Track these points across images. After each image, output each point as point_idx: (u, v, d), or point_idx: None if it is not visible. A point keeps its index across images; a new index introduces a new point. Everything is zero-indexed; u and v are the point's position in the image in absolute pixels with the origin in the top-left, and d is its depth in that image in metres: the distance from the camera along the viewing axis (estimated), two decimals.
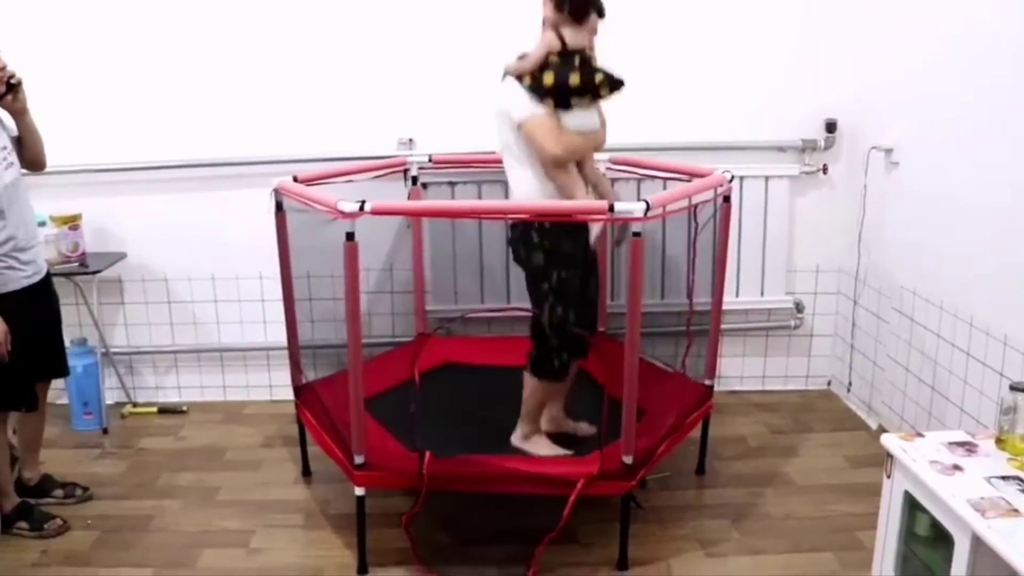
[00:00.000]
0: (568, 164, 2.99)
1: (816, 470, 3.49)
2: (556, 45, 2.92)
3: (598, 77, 2.93)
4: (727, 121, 4.01)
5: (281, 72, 3.93)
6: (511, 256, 3.14)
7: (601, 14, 3.00)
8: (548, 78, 2.88)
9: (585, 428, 3.28)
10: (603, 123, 3.13)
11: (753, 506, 3.25)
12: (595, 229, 3.07)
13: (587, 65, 2.94)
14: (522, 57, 2.95)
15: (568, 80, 2.88)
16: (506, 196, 3.31)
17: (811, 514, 3.18)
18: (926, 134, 3.39)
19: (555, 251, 2.99)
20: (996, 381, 2.87)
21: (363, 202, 2.56)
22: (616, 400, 2.66)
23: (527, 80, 2.90)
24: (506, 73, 2.95)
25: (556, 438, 3.22)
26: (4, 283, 2.88)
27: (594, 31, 2.99)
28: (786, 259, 4.14)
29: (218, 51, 3.91)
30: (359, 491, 2.82)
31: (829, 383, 4.31)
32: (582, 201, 2.98)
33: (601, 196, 3.16)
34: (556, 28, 2.93)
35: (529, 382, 3.13)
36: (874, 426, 3.80)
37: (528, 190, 3.00)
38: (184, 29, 3.90)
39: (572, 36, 2.92)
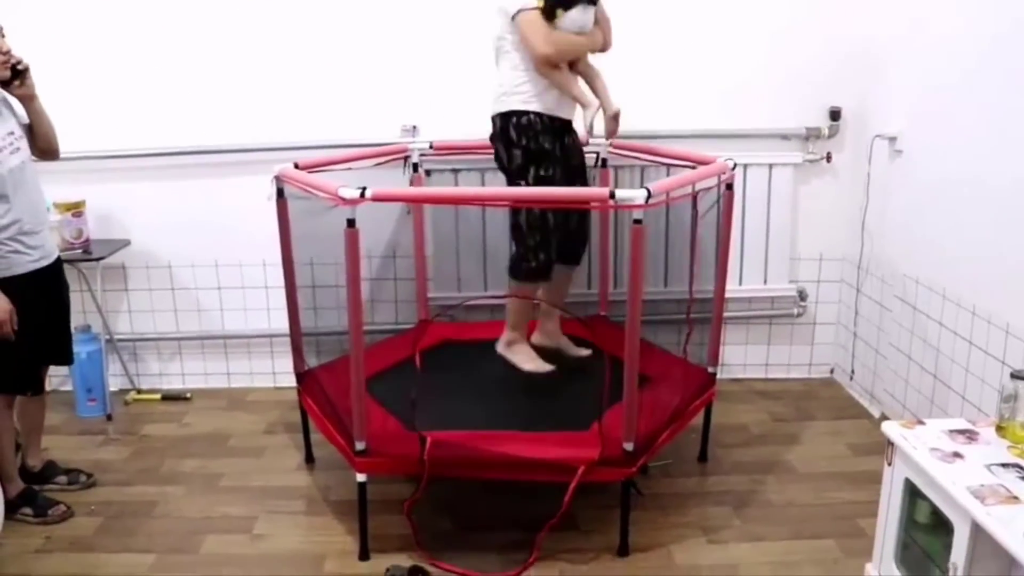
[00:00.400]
0: (556, 65, 3.10)
1: (818, 458, 3.50)
2: None
3: None
4: (731, 109, 4.00)
5: (284, 59, 3.92)
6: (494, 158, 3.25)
7: None
8: None
9: (577, 350, 3.31)
10: (605, 23, 3.27)
11: (755, 493, 3.25)
12: (588, 113, 3.16)
13: None
14: None
15: None
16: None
17: (812, 501, 3.18)
18: (929, 123, 3.38)
19: (533, 147, 3.11)
20: (998, 369, 2.87)
21: (363, 188, 2.55)
22: (618, 360, 2.67)
23: None
24: None
25: (548, 353, 3.26)
26: (9, 266, 2.89)
27: None
28: (789, 247, 4.13)
29: (221, 38, 3.91)
30: (360, 477, 2.83)
31: (832, 371, 4.31)
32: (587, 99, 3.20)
33: (597, 90, 3.31)
34: None
35: (510, 285, 3.20)
36: (876, 414, 3.80)
37: (504, 87, 3.17)
38: (187, 16, 3.89)
39: None
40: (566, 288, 3.48)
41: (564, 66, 3.16)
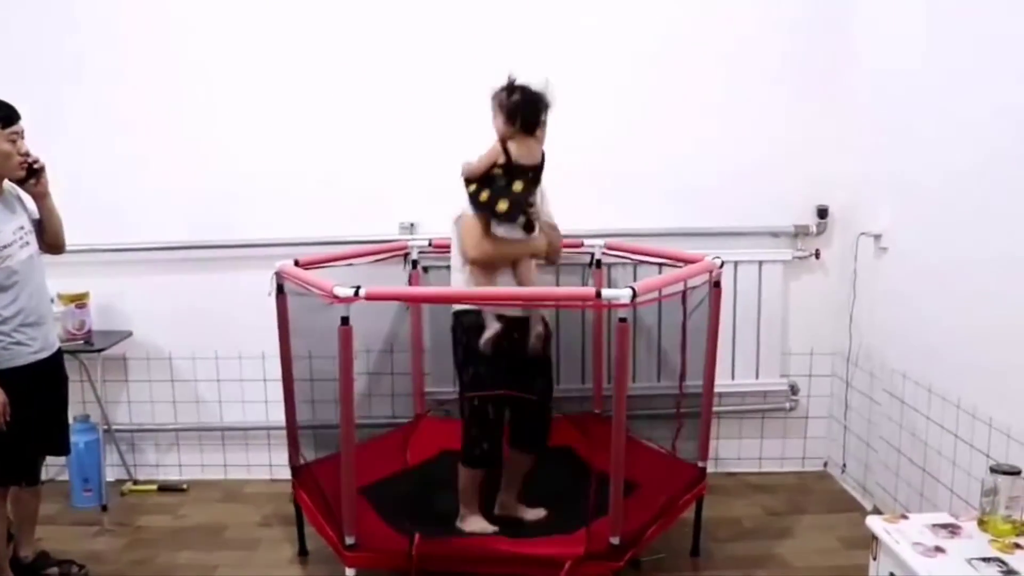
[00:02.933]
0: (493, 267, 3.17)
1: (810, 551, 3.50)
2: (501, 158, 3.07)
3: (520, 219, 3.13)
4: (722, 207, 4.10)
5: (286, 157, 4.05)
6: None
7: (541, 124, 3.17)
8: (484, 195, 3.06)
9: (534, 514, 3.35)
10: (552, 233, 3.32)
11: None
12: (486, 334, 3.13)
13: (522, 194, 3.10)
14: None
15: (496, 205, 3.05)
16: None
17: None
18: (913, 221, 3.47)
19: (471, 347, 3.14)
20: (983, 462, 2.89)
21: (358, 288, 2.63)
22: (604, 475, 2.70)
23: (472, 186, 3.08)
24: (462, 174, 3.10)
25: (506, 523, 3.30)
26: (11, 358, 2.96)
27: (541, 140, 3.17)
28: (780, 342, 4.19)
29: (224, 135, 4.06)
30: (350, 572, 2.85)
31: (825, 464, 4.32)
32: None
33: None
34: (503, 139, 3.10)
35: (463, 470, 3.24)
36: (869, 507, 3.81)
37: (455, 286, 3.28)
38: (192, 114, 4.05)
39: (517, 149, 3.08)
40: (523, 467, 3.43)
41: (501, 273, 3.21)
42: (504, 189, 3.08)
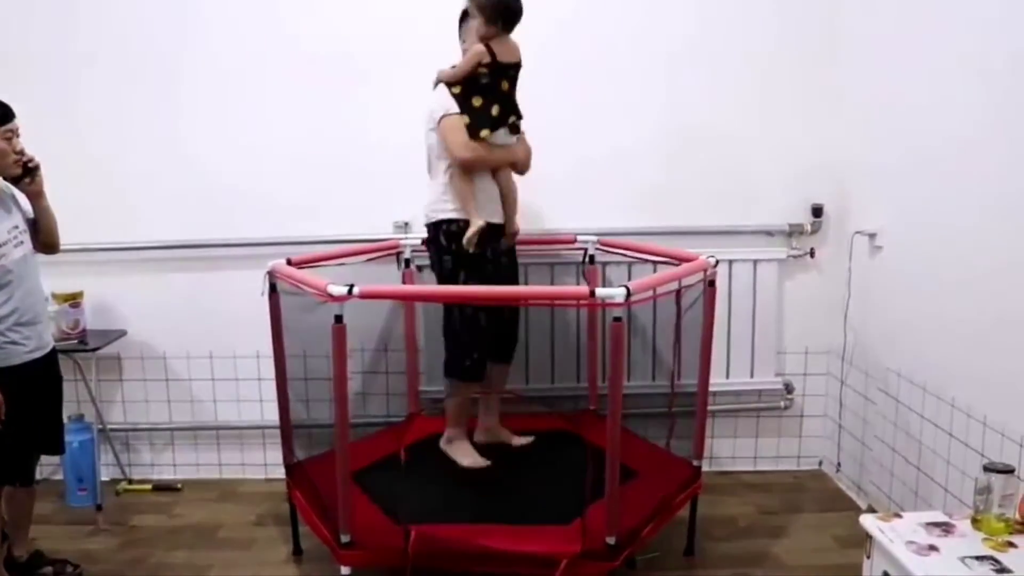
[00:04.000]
0: (474, 171, 3.24)
1: (804, 550, 3.50)
2: (487, 57, 3.13)
3: (511, 119, 3.26)
4: (718, 206, 4.11)
5: (279, 155, 4.06)
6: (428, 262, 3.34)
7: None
8: (477, 99, 3.14)
9: (519, 440, 3.37)
10: (526, 151, 3.42)
11: None
12: (470, 230, 3.25)
13: (509, 94, 3.22)
14: (454, 66, 3.20)
15: (490, 109, 3.15)
16: None
17: None
18: (907, 220, 3.48)
19: (461, 254, 3.22)
20: (977, 461, 2.90)
21: (351, 286, 2.63)
22: (599, 450, 2.70)
23: (457, 88, 3.14)
24: (438, 80, 3.16)
25: (489, 448, 3.35)
26: (6, 357, 2.96)
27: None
28: (775, 341, 4.19)
29: (218, 134, 4.05)
30: (345, 570, 2.85)
31: (820, 463, 4.33)
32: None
33: (506, 207, 3.44)
34: (486, 39, 3.16)
35: (446, 384, 3.30)
36: (864, 506, 3.81)
37: (433, 196, 3.32)
38: (185, 114, 4.05)
39: (501, 48, 3.15)
40: (502, 384, 3.58)
41: (484, 175, 3.32)
42: (493, 91, 3.16)
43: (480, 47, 3.16)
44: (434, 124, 3.23)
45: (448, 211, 3.29)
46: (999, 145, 2.84)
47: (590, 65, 3.99)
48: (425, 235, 3.49)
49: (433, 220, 3.34)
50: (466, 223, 3.26)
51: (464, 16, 3.35)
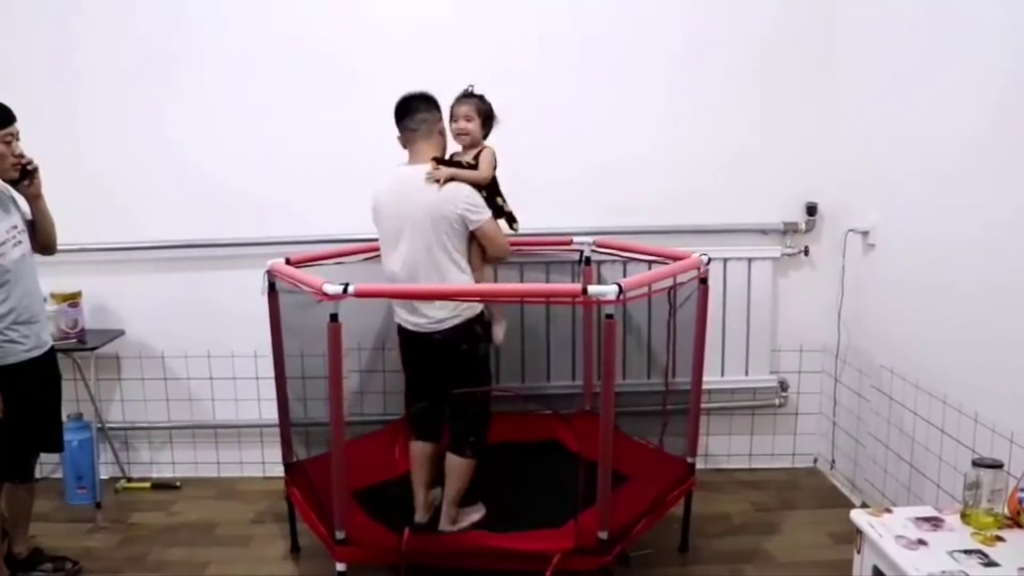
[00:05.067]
0: None
1: (798, 547, 3.53)
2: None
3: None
4: (712, 205, 4.12)
5: (277, 155, 4.08)
6: (438, 352, 3.19)
7: None
8: (500, 200, 3.19)
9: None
10: None
11: None
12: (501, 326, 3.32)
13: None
14: (454, 161, 3.18)
15: (505, 207, 3.23)
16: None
17: None
18: (900, 218, 3.50)
19: (486, 345, 3.23)
20: (968, 457, 2.92)
21: (346, 284, 2.66)
22: (591, 465, 2.73)
23: (483, 191, 3.11)
24: (453, 178, 3.07)
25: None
26: (4, 355, 2.99)
27: None
28: (770, 339, 4.21)
29: (216, 134, 4.08)
30: (340, 567, 2.87)
31: (815, 460, 4.35)
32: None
33: None
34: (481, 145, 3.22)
35: (465, 463, 3.17)
36: (857, 503, 3.84)
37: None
38: (182, 114, 4.07)
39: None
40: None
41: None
42: (499, 193, 3.21)
43: (493, 152, 3.19)
44: (477, 223, 3.09)
45: (478, 305, 3.19)
46: (992, 145, 2.87)
47: (586, 66, 4.01)
48: (441, 330, 3.16)
49: (471, 316, 3.16)
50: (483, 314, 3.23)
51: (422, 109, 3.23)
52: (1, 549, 3.24)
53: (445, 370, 3.18)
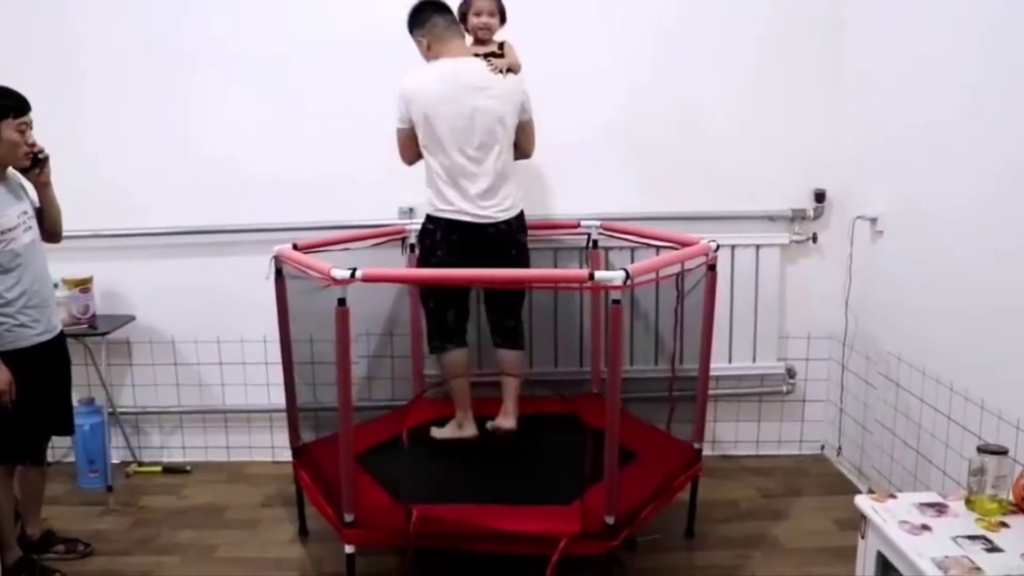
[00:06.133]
0: None
1: (804, 533, 3.54)
2: None
3: None
4: (720, 191, 4.12)
5: (286, 141, 4.09)
6: (500, 242, 3.34)
7: None
8: None
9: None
10: None
11: (740, 568, 3.29)
12: None
13: None
14: (490, 52, 3.35)
15: None
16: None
17: None
18: (908, 205, 3.50)
19: None
20: (974, 444, 2.91)
21: (354, 269, 2.67)
22: (599, 432, 2.75)
23: None
24: (509, 70, 3.28)
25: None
26: (15, 339, 3.02)
27: None
28: (778, 325, 4.22)
29: (223, 120, 4.09)
30: (349, 549, 2.90)
31: (823, 447, 4.36)
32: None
33: None
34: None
35: (522, 354, 3.45)
36: (864, 490, 3.84)
37: (513, 184, 3.38)
38: (190, 100, 4.08)
39: None
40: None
41: None
42: None
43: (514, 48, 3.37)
44: (527, 114, 3.34)
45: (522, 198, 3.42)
46: (1000, 132, 2.86)
47: (594, 49, 4.01)
48: (508, 219, 3.37)
49: (520, 209, 3.40)
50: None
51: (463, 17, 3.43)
52: (15, 531, 3.27)
53: (504, 261, 3.30)
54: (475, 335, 3.80)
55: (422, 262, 3.45)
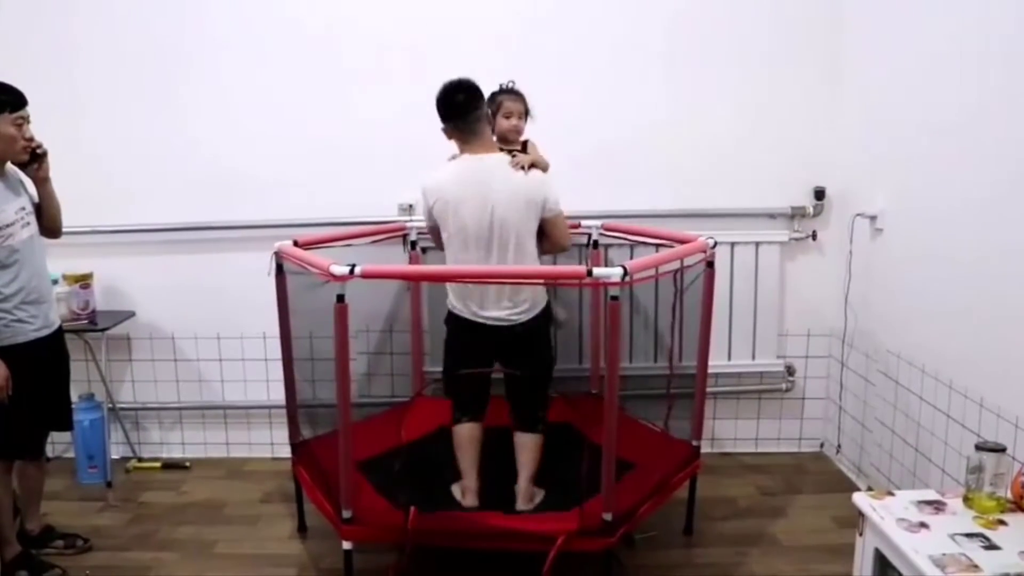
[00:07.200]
0: None
1: (802, 531, 3.54)
2: None
3: None
4: (720, 189, 4.13)
5: (287, 137, 4.09)
6: (517, 341, 3.24)
7: None
8: None
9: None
10: None
11: (738, 566, 3.29)
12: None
13: None
14: (516, 149, 3.28)
15: None
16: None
17: (794, 574, 3.22)
18: (907, 203, 3.50)
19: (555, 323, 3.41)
20: (972, 441, 2.91)
21: (353, 265, 2.67)
22: (597, 448, 2.74)
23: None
24: (532, 165, 3.18)
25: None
26: (13, 335, 3.02)
27: None
28: (777, 323, 4.22)
29: (224, 117, 4.09)
30: (347, 545, 2.90)
31: (822, 445, 4.35)
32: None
33: None
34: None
35: (540, 438, 3.28)
36: (863, 487, 3.84)
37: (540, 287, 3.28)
38: (191, 97, 4.09)
39: None
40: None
41: None
42: None
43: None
44: (552, 212, 3.20)
45: (545, 294, 3.33)
46: (999, 131, 2.86)
47: (595, 48, 4.01)
48: (524, 321, 3.24)
49: (543, 305, 3.28)
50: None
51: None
52: (14, 526, 3.28)
53: (520, 357, 3.26)
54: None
55: (446, 341, 3.43)
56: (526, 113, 3.35)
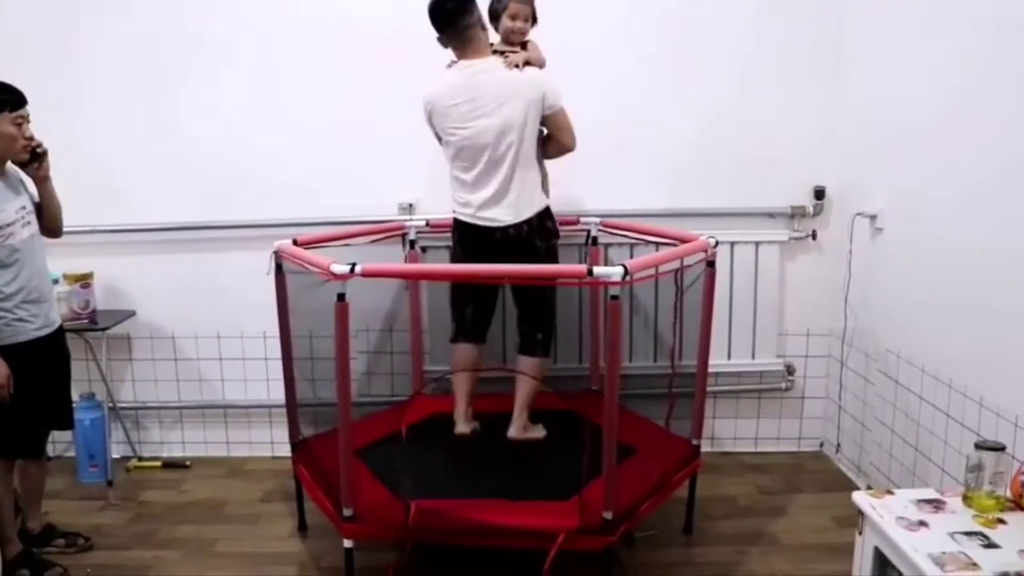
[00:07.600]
0: None
1: (802, 530, 3.54)
2: None
3: None
4: (720, 188, 4.13)
5: (286, 137, 4.10)
6: (511, 248, 3.28)
7: None
8: None
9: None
10: None
11: (738, 565, 3.29)
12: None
13: None
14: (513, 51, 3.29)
15: None
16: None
17: (795, 573, 3.23)
18: (907, 202, 3.50)
19: (556, 236, 3.43)
20: (972, 441, 2.91)
21: (353, 264, 2.68)
22: (597, 428, 2.75)
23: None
24: (527, 63, 3.22)
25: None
26: (14, 334, 3.03)
27: None
28: (777, 322, 4.22)
29: (225, 117, 4.10)
30: (347, 543, 2.91)
31: (822, 444, 4.36)
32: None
33: None
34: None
35: (539, 363, 3.35)
36: (863, 487, 3.84)
37: (534, 184, 3.32)
38: (192, 97, 4.09)
39: None
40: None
41: None
42: None
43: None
44: (552, 108, 3.23)
45: (546, 197, 3.37)
46: (1000, 129, 2.86)
47: (593, 47, 4.02)
48: (514, 224, 3.30)
49: (539, 209, 3.32)
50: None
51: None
52: (15, 525, 3.28)
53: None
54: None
55: (450, 258, 3.54)
56: (533, 18, 3.37)
